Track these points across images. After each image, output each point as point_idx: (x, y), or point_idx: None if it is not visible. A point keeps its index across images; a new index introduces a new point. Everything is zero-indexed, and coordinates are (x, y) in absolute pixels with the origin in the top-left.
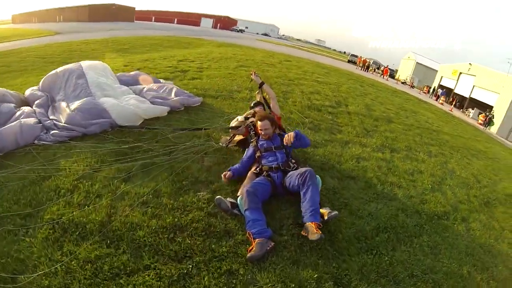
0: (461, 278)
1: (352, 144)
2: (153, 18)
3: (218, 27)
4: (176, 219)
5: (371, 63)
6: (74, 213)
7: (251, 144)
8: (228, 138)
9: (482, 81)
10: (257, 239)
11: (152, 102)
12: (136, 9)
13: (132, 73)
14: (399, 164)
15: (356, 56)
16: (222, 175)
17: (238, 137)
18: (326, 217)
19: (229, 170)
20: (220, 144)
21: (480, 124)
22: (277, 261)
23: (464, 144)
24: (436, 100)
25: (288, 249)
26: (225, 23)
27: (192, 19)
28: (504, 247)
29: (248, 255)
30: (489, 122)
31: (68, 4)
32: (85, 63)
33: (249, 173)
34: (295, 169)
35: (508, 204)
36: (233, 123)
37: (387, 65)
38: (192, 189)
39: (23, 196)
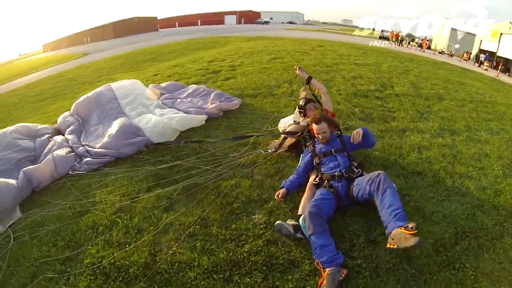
0: None
1: (410, 131)
2: (177, 24)
3: (242, 22)
4: (230, 253)
5: (404, 36)
6: (115, 254)
7: (306, 148)
8: (278, 142)
9: None
10: (327, 269)
11: (186, 113)
12: (158, 18)
13: (163, 84)
14: (463, 149)
15: (388, 31)
16: (276, 196)
17: (289, 141)
18: None
19: (283, 187)
20: (269, 150)
21: None
22: None
23: None
24: (479, 66)
25: (362, 275)
26: (249, 16)
27: (215, 18)
28: None
29: None
30: None
31: (94, 25)
32: (114, 84)
33: (309, 184)
34: (360, 175)
35: None
36: (288, 127)
37: (426, 37)
38: (245, 212)
39: (61, 237)
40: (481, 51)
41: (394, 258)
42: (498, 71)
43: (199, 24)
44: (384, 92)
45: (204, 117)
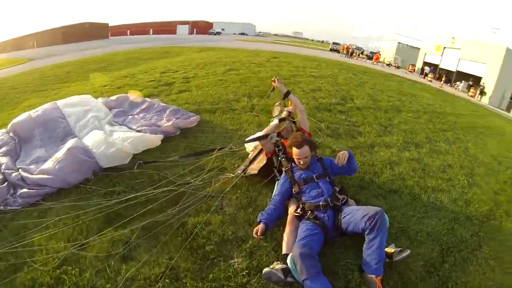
0: None
1: (378, 146)
2: (128, 32)
3: (195, 32)
4: None
5: (354, 48)
6: None
7: (283, 174)
8: (248, 160)
9: (467, 53)
10: None
11: (140, 131)
12: (110, 25)
13: (114, 97)
14: (429, 162)
15: (339, 44)
16: (254, 233)
17: (258, 164)
18: (395, 258)
19: (260, 222)
20: (238, 171)
21: (471, 96)
22: None
23: (470, 123)
24: (424, 78)
25: None
26: (202, 27)
27: (167, 28)
28: None
29: None
30: (481, 93)
31: (41, 28)
32: (61, 102)
33: (290, 217)
34: (345, 203)
35: None
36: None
37: (379, 50)
38: (221, 257)
39: None
40: (425, 63)
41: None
42: (442, 82)
43: (151, 33)
44: (345, 105)
45: (160, 137)
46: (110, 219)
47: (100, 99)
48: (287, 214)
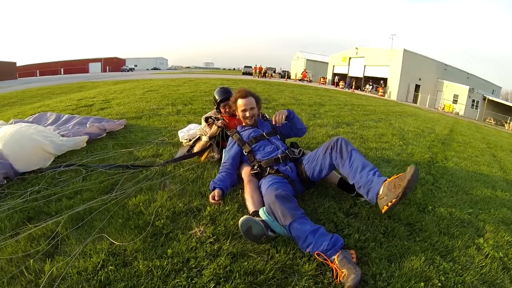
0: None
1: (313, 127)
2: (37, 72)
3: (107, 69)
4: None
5: (266, 69)
6: None
7: (230, 139)
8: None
9: (371, 59)
10: (335, 257)
11: (63, 135)
12: (17, 64)
13: (30, 117)
14: (364, 133)
15: (251, 67)
16: (210, 198)
17: (198, 145)
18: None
19: (215, 188)
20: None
21: (381, 95)
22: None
23: (388, 110)
24: (336, 86)
25: (367, 249)
26: (114, 64)
27: (79, 66)
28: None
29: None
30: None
31: None
32: None
33: (246, 177)
34: (302, 154)
35: (455, 141)
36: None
37: (305, 69)
38: (178, 229)
39: None
40: (335, 74)
41: (386, 220)
42: (353, 88)
43: (62, 72)
44: (270, 104)
45: (85, 137)
46: (29, 218)
47: (12, 120)
48: (241, 182)
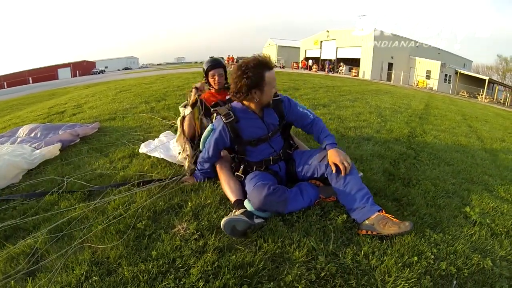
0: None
1: None
2: (5, 84)
3: (77, 74)
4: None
5: (237, 58)
6: None
7: (221, 126)
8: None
9: (342, 41)
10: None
11: (35, 147)
12: None
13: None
14: (341, 113)
15: (223, 58)
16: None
17: (186, 124)
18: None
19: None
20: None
21: (355, 76)
22: None
23: (363, 89)
24: (310, 70)
25: (354, 230)
26: (84, 67)
27: (48, 73)
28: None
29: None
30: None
31: None
32: None
33: (220, 165)
34: (296, 148)
35: (431, 114)
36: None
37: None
38: (160, 229)
39: None
40: (307, 58)
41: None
42: (326, 70)
43: (31, 81)
44: None
45: (58, 145)
46: (6, 236)
47: None
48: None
